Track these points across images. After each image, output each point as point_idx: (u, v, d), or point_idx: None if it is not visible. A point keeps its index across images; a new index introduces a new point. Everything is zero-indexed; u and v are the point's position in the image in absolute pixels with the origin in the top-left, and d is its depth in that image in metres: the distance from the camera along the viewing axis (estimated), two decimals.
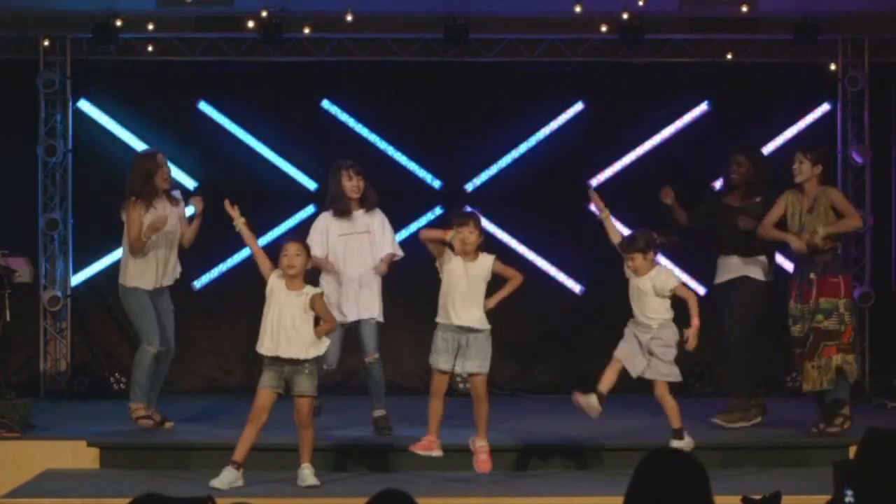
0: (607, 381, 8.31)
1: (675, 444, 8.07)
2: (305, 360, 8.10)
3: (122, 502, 6.20)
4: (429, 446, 8.16)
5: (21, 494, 8.09)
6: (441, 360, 8.17)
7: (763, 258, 9.52)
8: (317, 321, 8.17)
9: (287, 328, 8.08)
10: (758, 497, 4.53)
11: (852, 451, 8.00)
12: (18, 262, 10.63)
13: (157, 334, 9.34)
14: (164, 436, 9.30)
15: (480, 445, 8.21)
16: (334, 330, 8.48)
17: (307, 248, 8.30)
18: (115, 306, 11.11)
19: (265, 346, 8.10)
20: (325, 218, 9.34)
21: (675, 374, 8.33)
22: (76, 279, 11.89)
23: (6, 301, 10.17)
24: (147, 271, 9.34)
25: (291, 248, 8.21)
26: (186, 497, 3.78)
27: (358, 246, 9.27)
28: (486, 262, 8.22)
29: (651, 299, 8.31)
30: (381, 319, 9.32)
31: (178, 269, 9.60)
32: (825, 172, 9.26)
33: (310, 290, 8.19)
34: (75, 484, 8.30)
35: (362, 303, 9.24)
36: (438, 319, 8.24)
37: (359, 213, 9.30)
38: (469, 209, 8.45)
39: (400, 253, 9.36)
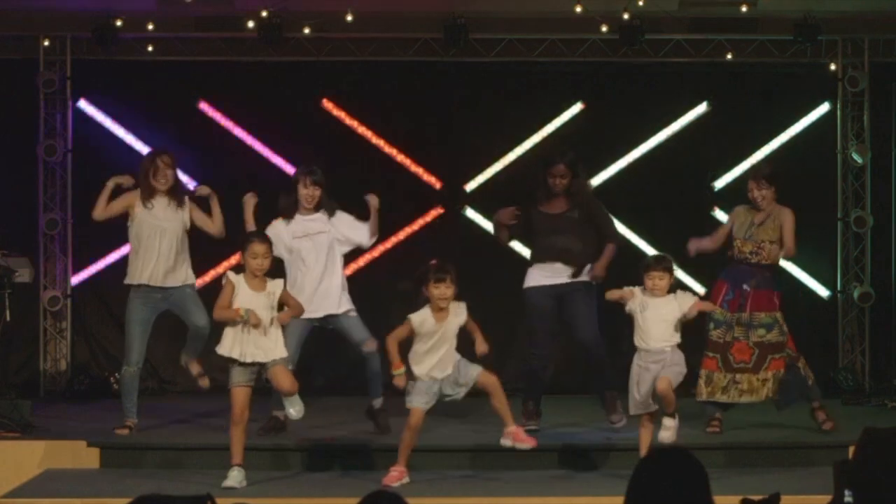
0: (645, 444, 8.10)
1: (667, 422, 7.97)
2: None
3: (122, 502, 6.18)
4: (400, 477, 7.99)
5: (21, 494, 8.09)
6: (421, 401, 7.96)
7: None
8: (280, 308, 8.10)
9: (264, 330, 7.97)
10: (757, 498, 4.53)
11: (852, 451, 7.99)
12: (18, 262, 10.62)
13: (138, 352, 9.25)
14: (164, 436, 9.30)
15: (513, 429, 8.06)
16: (301, 314, 8.45)
17: (272, 247, 8.23)
18: (115, 306, 11.14)
19: (248, 354, 7.93)
20: (277, 225, 9.19)
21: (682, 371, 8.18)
22: (76, 279, 11.89)
23: (6, 301, 10.14)
24: (145, 267, 9.24)
25: (261, 249, 8.04)
26: (186, 496, 3.77)
27: (314, 246, 9.18)
28: (461, 313, 7.97)
29: (672, 323, 8.08)
30: (353, 313, 9.25)
31: (190, 277, 9.47)
32: (779, 189, 9.29)
33: (274, 286, 8.06)
34: (75, 484, 8.30)
35: (329, 300, 9.15)
36: (417, 372, 7.96)
37: (315, 216, 9.23)
38: (434, 261, 8.13)
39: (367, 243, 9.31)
